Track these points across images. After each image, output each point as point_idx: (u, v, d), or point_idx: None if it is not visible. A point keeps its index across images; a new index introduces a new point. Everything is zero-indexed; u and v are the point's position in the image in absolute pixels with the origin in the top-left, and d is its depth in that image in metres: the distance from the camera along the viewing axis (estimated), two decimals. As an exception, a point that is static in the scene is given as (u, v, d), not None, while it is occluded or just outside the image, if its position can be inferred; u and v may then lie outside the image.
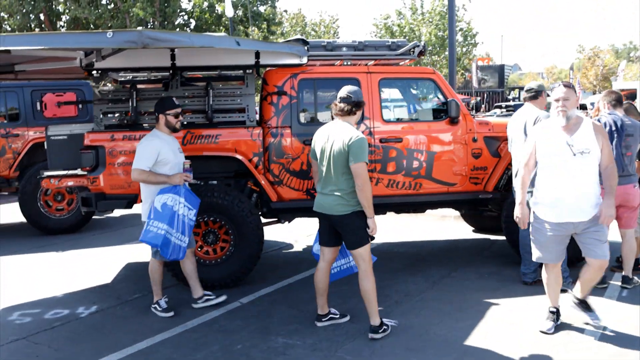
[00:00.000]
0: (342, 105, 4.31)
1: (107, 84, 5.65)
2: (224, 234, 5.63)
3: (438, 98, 6.11)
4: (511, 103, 38.36)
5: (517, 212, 4.34)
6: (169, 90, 5.70)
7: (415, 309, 4.92)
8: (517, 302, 5.04)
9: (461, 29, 31.79)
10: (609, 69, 43.92)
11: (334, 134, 4.25)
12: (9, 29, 18.37)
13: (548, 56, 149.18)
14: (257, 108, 6.09)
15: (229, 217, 5.51)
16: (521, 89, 55.88)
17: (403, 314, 4.81)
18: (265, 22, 19.34)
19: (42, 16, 18.39)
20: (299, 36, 5.90)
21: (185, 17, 18.66)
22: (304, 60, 5.75)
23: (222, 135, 5.65)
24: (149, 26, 17.06)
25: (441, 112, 6.07)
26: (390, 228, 8.20)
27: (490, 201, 6.18)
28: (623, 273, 5.36)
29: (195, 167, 5.79)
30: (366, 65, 6.16)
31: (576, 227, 4.13)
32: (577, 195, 4.06)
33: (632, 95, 23.95)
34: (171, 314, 4.88)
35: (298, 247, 7.34)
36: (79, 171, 5.94)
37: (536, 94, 5.46)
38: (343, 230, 4.30)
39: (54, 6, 18.35)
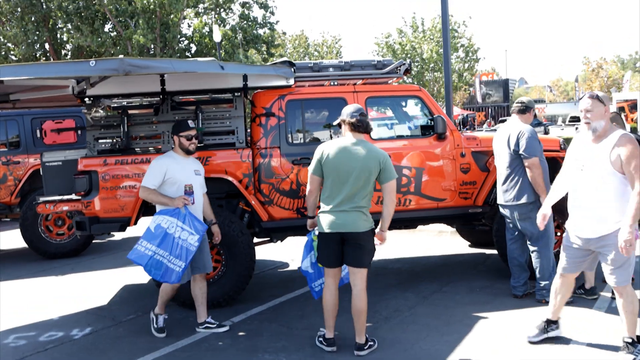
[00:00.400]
0: (363, 119, 4.31)
1: (99, 110, 5.79)
2: (216, 254, 5.70)
3: (425, 115, 6.20)
4: (516, 117, 38.55)
5: (542, 211, 4.34)
6: (159, 115, 5.83)
7: (403, 324, 4.96)
8: (505, 315, 5.06)
9: (462, 45, 32.03)
10: (614, 80, 43.86)
11: (357, 151, 4.23)
12: (15, 58, 18.78)
13: (554, 69, 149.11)
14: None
15: (222, 239, 5.59)
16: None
17: (391, 329, 4.85)
18: (264, 45, 19.64)
19: (47, 45, 18.82)
20: (285, 58, 6.01)
21: (186, 42, 19.00)
22: (291, 81, 5.88)
23: (212, 158, 5.76)
24: (151, 52, 17.37)
25: (428, 129, 6.16)
26: (386, 244, 8.22)
27: (480, 215, 6.24)
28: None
29: (187, 189, 5.95)
30: (354, 84, 6.28)
31: (588, 244, 4.01)
32: (581, 211, 4.00)
33: (634, 106, 23.95)
34: (163, 335, 4.92)
35: (294, 265, 7.39)
36: (73, 196, 6.06)
37: (525, 109, 5.52)
38: (359, 248, 4.28)
39: (58, 35, 18.75)
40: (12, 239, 9.94)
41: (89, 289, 6.69)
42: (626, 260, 3.87)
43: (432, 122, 5.98)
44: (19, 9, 17.62)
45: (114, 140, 5.82)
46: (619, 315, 4.07)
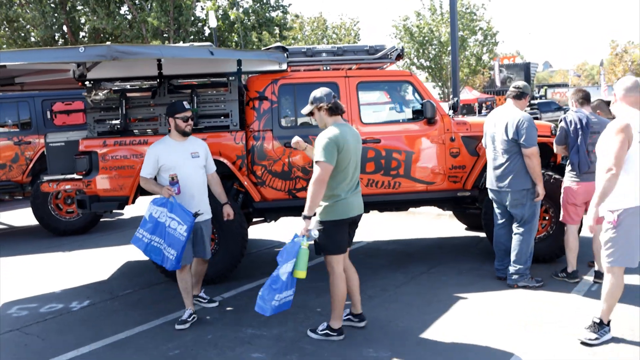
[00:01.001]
0: (338, 101, 4.38)
1: (99, 93, 6.00)
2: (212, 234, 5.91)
3: (415, 100, 6.30)
4: (535, 102, 38.04)
5: (593, 216, 3.95)
6: (155, 97, 6.03)
7: (385, 303, 5.13)
8: (485, 296, 5.20)
9: (481, 28, 31.68)
10: (638, 65, 42.97)
11: (355, 133, 4.39)
12: (34, 40, 19.18)
13: (580, 52, 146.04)
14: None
15: (213, 217, 5.79)
16: (550, 86, 55.21)
17: (373, 307, 5.02)
18: (277, 27, 19.71)
19: (65, 28, 19.16)
20: (278, 44, 6.14)
21: (200, 25, 19.17)
22: (284, 66, 6.03)
23: (206, 140, 5.92)
24: (165, 35, 17.60)
25: (419, 114, 6.25)
26: (385, 226, 8.41)
27: (471, 199, 6.35)
28: (595, 268, 5.45)
29: (184, 170, 6.15)
30: (349, 69, 6.38)
31: None
32: None
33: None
34: (185, 326, 4.74)
35: (291, 245, 7.57)
36: (75, 175, 6.31)
37: (521, 95, 5.48)
38: (356, 228, 4.53)
39: (76, 18, 19.07)
40: (24, 217, 10.31)
41: (93, 264, 6.98)
42: (611, 239, 3.93)
43: (422, 107, 6.08)
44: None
45: (113, 122, 6.03)
46: (599, 299, 4.14)
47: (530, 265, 5.45)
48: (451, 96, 11.84)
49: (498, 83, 46.34)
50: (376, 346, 4.21)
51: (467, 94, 35.65)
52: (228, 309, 5.18)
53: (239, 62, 5.95)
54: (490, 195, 5.67)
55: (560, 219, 5.60)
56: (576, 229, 5.53)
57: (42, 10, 17.87)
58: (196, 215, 4.66)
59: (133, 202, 5.97)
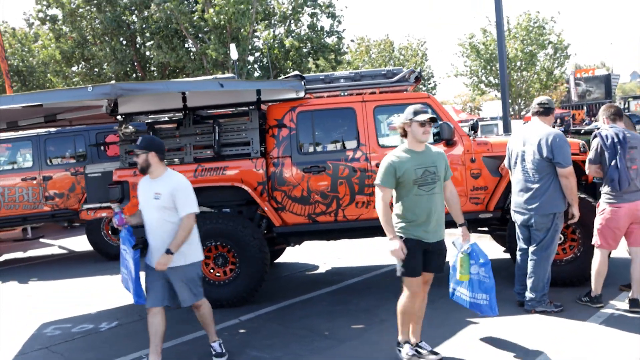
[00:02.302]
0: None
1: (129, 126, 6.42)
2: (232, 257, 6.13)
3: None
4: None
5: None
6: (180, 129, 6.37)
7: (392, 327, 5.07)
8: (498, 321, 5.04)
9: (551, 42, 30.68)
10: None
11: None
12: (110, 75, 20.63)
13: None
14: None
15: (234, 241, 6.01)
16: (635, 98, 52.31)
17: (380, 331, 5.02)
18: (332, 53, 20.06)
19: (134, 62, 20.49)
20: (296, 72, 6.33)
21: (257, 54, 19.88)
22: (301, 94, 6.21)
23: (228, 167, 6.21)
24: (225, 65, 18.38)
25: (438, 135, 6.21)
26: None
27: (494, 220, 6.20)
28: (630, 295, 5.06)
29: (211, 197, 6.45)
30: (369, 94, 6.46)
31: None
32: None
33: None
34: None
35: (323, 269, 7.67)
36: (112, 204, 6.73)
37: (547, 110, 5.28)
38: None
39: (145, 52, 20.37)
40: (81, 242, 11.01)
41: (132, 287, 7.36)
42: None
43: (439, 129, 6.04)
44: (108, 31, 19.39)
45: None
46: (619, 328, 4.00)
47: (547, 290, 5.23)
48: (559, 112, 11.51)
49: (574, 97, 44.57)
50: (369, 371, 4.21)
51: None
52: (241, 331, 5.34)
53: (258, 92, 6.20)
54: (514, 217, 5.47)
55: (594, 242, 5.24)
56: (607, 253, 5.19)
57: (113, 47, 19.23)
58: (136, 247, 4.42)
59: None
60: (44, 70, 22.82)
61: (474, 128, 6.32)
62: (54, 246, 11.44)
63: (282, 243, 6.74)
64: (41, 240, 12.27)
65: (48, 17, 20.93)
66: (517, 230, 5.47)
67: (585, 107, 41.49)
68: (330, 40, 20.02)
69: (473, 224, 6.34)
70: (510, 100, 33.57)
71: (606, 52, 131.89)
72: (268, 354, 4.68)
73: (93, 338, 5.47)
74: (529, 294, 5.23)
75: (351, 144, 6.23)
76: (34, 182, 9.34)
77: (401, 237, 4.18)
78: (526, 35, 30.11)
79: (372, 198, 6.08)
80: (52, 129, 9.40)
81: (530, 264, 5.23)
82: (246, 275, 6.01)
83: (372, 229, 6.29)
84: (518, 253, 5.52)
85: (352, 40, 34.60)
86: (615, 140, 4.96)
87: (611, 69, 58.43)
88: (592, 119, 36.56)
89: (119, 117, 6.48)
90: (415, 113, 4.22)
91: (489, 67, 31.74)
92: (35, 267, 9.31)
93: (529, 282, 5.23)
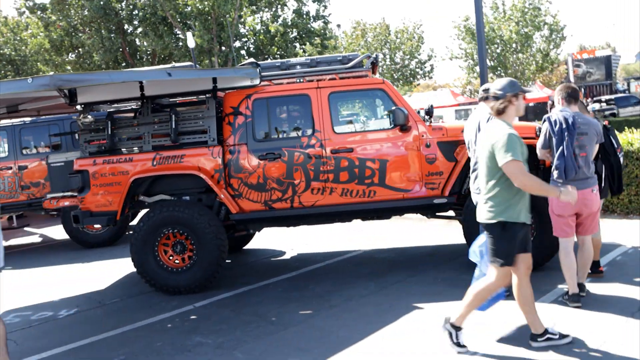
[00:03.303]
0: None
1: (88, 115, 6.45)
2: (190, 245, 6.19)
3: (388, 107, 6.28)
4: (612, 97, 35.84)
5: None
6: (138, 117, 6.41)
7: (341, 312, 5.16)
8: (445, 306, 5.09)
9: (546, 23, 30.34)
10: None
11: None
12: (98, 63, 20.65)
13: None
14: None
15: (190, 229, 6.07)
16: (637, 79, 51.75)
17: (327, 317, 5.08)
18: (317, 38, 19.96)
19: (123, 50, 20.46)
20: (251, 60, 6.34)
21: (243, 40, 19.81)
22: (256, 81, 6.22)
23: (186, 155, 6.25)
24: (210, 52, 18.37)
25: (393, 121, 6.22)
26: (390, 234, 8.37)
27: (447, 205, 6.24)
28: (571, 291, 4.84)
29: (170, 185, 6.52)
30: (325, 80, 6.47)
31: None
32: None
33: None
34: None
35: (289, 255, 7.74)
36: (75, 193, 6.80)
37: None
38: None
39: (134, 40, 20.34)
40: (58, 231, 11.10)
41: (100, 274, 7.46)
42: None
43: (392, 114, 6.06)
44: (95, 19, 19.36)
45: (101, 142, 6.45)
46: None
47: None
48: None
49: (572, 79, 44.17)
50: (305, 356, 4.28)
51: (538, 92, 34.31)
52: (192, 317, 5.42)
53: (214, 80, 6.22)
54: (474, 200, 5.51)
55: (553, 232, 5.11)
56: (568, 243, 4.86)
57: (101, 35, 19.21)
58: None
59: (121, 217, 6.35)
60: (37, 59, 22.85)
61: (429, 113, 6.33)
62: (36, 235, 11.55)
63: (242, 230, 6.79)
64: (25, 229, 12.39)
65: (36, 6, 20.91)
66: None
67: (583, 89, 41.15)
68: (317, 25, 19.93)
69: (428, 209, 6.38)
70: (506, 83, 33.42)
71: (610, 33, 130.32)
72: (212, 339, 4.76)
73: (50, 325, 5.57)
74: None
75: (306, 131, 6.25)
76: (10, 171, 9.41)
77: (506, 224, 3.90)
78: (521, 17, 29.77)
79: (327, 184, 6.13)
80: (27, 119, 9.46)
81: None
82: (203, 262, 6.08)
83: (328, 214, 6.36)
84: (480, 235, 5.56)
85: (339, 26, 34.28)
86: (564, 126, 4.76)
87: (614, 50, 57.88)
88: (590, 99, 36.34)
89: (78, 106, 6.52)
90: (519, 86, 4.02)
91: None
92: (12, 256, 9.39)
93: None
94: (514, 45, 30.41)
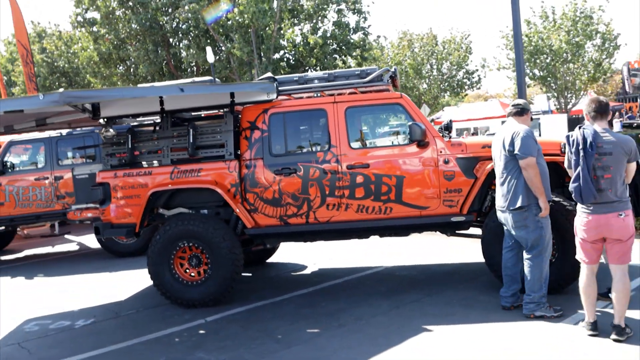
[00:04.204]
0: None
1: (110, 129, 6.59)
2: (205, 258, 6.21)
3: (406, 122, 6.14)
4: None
5: None
6: (158, 131, 6.50)
7: (349, 332, 5.04)
8: (455, 329, 4.92)
9: (599, 32, 29.30)
10: None
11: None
12: (143, 75, 21.25)
13: None
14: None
15: (205, 242, 6.09)
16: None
17: (333, 336, 4.98)
18: (357, 50, 19.85)
19: (167, 62, 20.99)
20: (269, 74, 6.33)
21: (282, 52, 19.95)
22: (272, 96, 6.21)
23: (203, 170, 6.29)
24: (250, 64, 18.58)
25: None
26: (413, 250, 8.19)
27: (465, 224, 6.04)
28: (614, 321, 4.40)
29: (189, 198, 6.58)
30: (338, 94, 6.40)
31: None
32: None
33: None
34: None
35: (310, 269, 7.66)
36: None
37: (521, 111, 5.25)
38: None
39: (176, 53, 20.86)
40: (95, 240, 11.38)
41: (123, 284, 7.59)
42: None
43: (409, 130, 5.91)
44: (141, 33, 19.96)
45: (121, 156, 6.56)
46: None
47: (546, 291, 5.04)
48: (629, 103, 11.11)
49: (629, 89, 42.49)
50: (302, 377, 4.20)
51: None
52: (201, 331, 5.42)
53: (232, 95, 6.26)
54: (498, 215, 5.32)
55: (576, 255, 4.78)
56: (587, 270, 4.52)
57: (146, 48, 19.77)
58: None
59: (140, 229, 6.44)
60: (87, 72, 23.75)
61: (447, 128, 6.17)
62: (74, 242, 11.90)
63: (259, 244, 6.77)
64: (65, 236, 12.79)
65: (86, 20, 21.73)
66: (504, 228, 5.35)
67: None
68: (357, 37, 19.85)
69: (446, 227, 6.20)
70: (555, 94, 32.42)
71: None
72: (214, 356, 4.73)
73: (65, 335, 5.67)
74: (526, 297, 5.07)
75: (322, 146, 6.19)
76: (46, 181, 9.74)
77: None
78: (572, 26, 28.86)
79: (342, 199, 6.04)
80: (64, 131, 9.77)
81: (525, 266, 5.13)
82: (217, 276, 6.08)
83: (344, 231, 6.26)
84: (504, 251, 5.37)
85: (379, 36, 34.12)
86: (580, 146, 4.35)
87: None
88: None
89: (101, 120, 6.67)
90: None
91: (533, 60, 30.63)
92: (47, 263, 9.72)
93: (526, 285, 5.08)
94: (564, 55, 29.45)
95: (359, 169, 6.02)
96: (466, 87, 39.75)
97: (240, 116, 6.43)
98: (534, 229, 4.99)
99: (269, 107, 6.27)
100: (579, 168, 4.34)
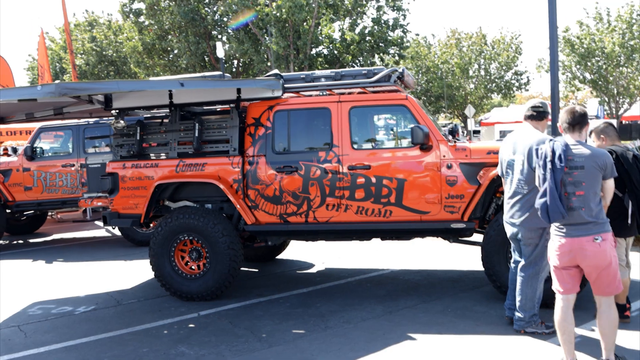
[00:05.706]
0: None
1: (120, 120, 6.72)
2: (205, 252, 6.26)
3: (410, 124, 6.01)
4: None
5: None
6: (166, 124, 6.58)
7: (333, 337, 4.98)
8: (437, 340, 4.79)
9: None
10: None
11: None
12: (184, 66, 21.67)
13: None
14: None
15: (204, 237, 6.14)
16: None
17: (315, 339, 4.93)
18: (394, 47, 19.55)
19: (211, 55, 21.32)
20: (275, 71, 6.30)
21: (319, 48, 19.88)
22: (277, 93, 6.19)
23: (207, 164, 6.34)
24: (287, 59, 18.62)
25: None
26: (424, 254, 8.04)
27: (466, 231, 5.87)
28: (603, 357, 4.00)
29: (194, 192, 6.65)
30: (344, 94, 6.33)
31: None
32: None
33: None
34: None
35: (316, 268, 7.63)
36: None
37: (541, 115, 4.82)
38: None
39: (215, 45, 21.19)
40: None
41: (134, 273, 7.74)
42: None
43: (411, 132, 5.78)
44: (183, 24, 20.34)
45: (131, 147, 6.68)
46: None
47: (537, 311, 4.84)
48: (468, 122, 10.71)
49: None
50: (272, 379, 4.17)
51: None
52: (190, 325, 5.46)
53: (238, 90, 6.27)
54: (506, 227, 5.00)
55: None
56: (564, 302, 4.01)
57: (188, 40, 20.12)
58: None
59: (145, 219, 6.55)
60: (132, 61, 24.38)
61: (452, 132, 6.00)
62: (102, 229, 12.24)
63: (262, 241, 6.78)
64: (96, 222, 13.16)
65: (133, 11, 22.31)
66: (511, 242, 5.11)
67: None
68: (395, 34, 19.56)
69: (447, 233, 6.04)
70: (607, 99, 31.19)
71: None
72: (194, 351, 4.77)
73: (63, 320, 5.83)
74: (517, 313, 4.88)
75: (324, 145, 6.12)
76: (72, 168, 10.04)
77: None
78: (627, 28, 27.69)
79: (342, 200, 5.98)
80: (91, 120, 10.05)
81: (518, 282, 4.87)
82: (215, 271, 6.12)
83: (343, 232, 6.19)
84: (512, 265, 5.15)
85: (417, 35, 33.50)
86: (549, 158, 3.93)
87: None
88: None
89: (113, 111, 6.81)
90: None
91: (583, 62, 29.57)
92: (70, 248, 10.02)
93: (517, 301, 4.87)
94: (617, 58, 28.30)
95: (360, 170, 5.93)
96: (515, 88, 38.75)
97: (245, 112, 6.44)
98: (542, 247, 4.73)
99: (274, 104, 6.25)
100: (546, 183, 3.92)
